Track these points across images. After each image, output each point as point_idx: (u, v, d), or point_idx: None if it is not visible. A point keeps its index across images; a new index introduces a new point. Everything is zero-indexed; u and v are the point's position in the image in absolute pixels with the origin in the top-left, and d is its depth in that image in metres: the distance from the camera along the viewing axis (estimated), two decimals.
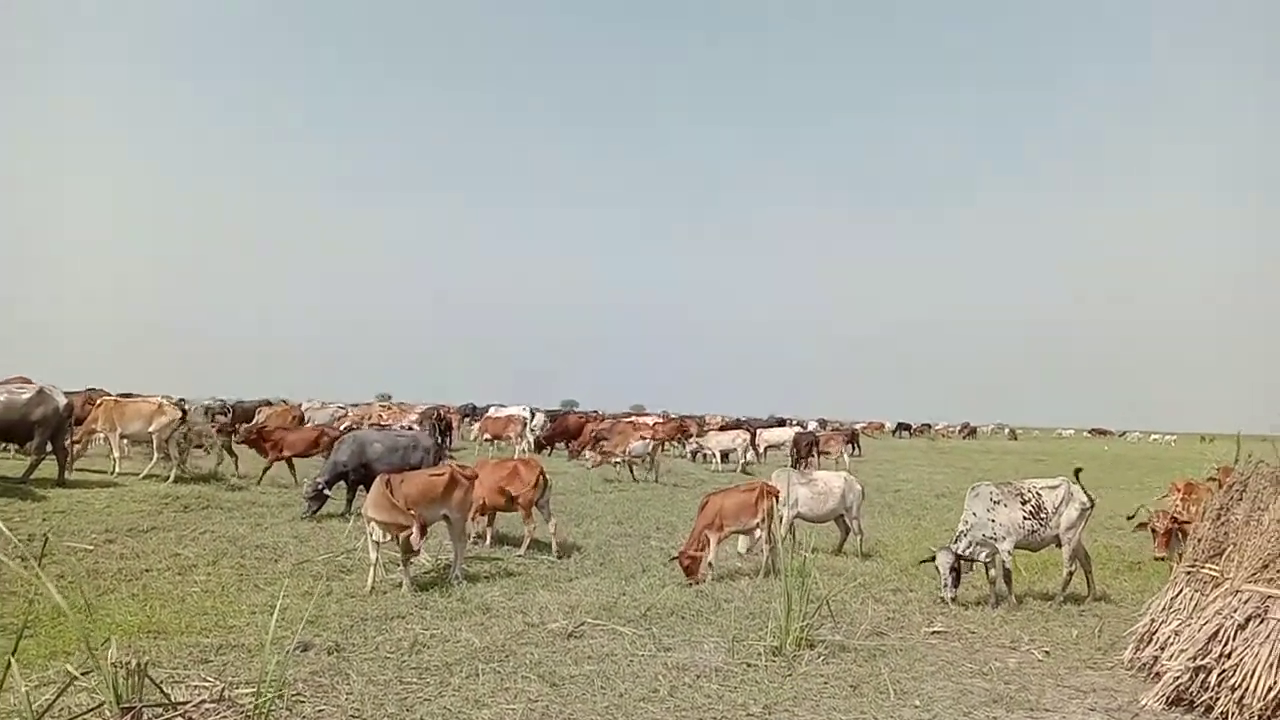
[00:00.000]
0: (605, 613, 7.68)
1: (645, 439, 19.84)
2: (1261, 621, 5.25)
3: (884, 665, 6.41)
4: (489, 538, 10.88)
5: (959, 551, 8.57)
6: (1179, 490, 9.38)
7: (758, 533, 9.74)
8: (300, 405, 38.21)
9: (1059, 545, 9.00)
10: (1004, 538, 8.66)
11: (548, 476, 10.69)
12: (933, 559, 8.77)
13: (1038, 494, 8.93)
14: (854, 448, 37.13)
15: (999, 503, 8.76)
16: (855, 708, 5.53)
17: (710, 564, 9.27)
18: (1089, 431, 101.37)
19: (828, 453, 28.06)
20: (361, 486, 12.25)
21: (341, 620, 7.11)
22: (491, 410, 31.08)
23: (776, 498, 9.80)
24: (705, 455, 26.20)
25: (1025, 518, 8.73)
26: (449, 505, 8.81)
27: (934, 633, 7.56)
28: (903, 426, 71.69)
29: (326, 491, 12.21)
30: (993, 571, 8.85)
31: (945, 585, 8.51)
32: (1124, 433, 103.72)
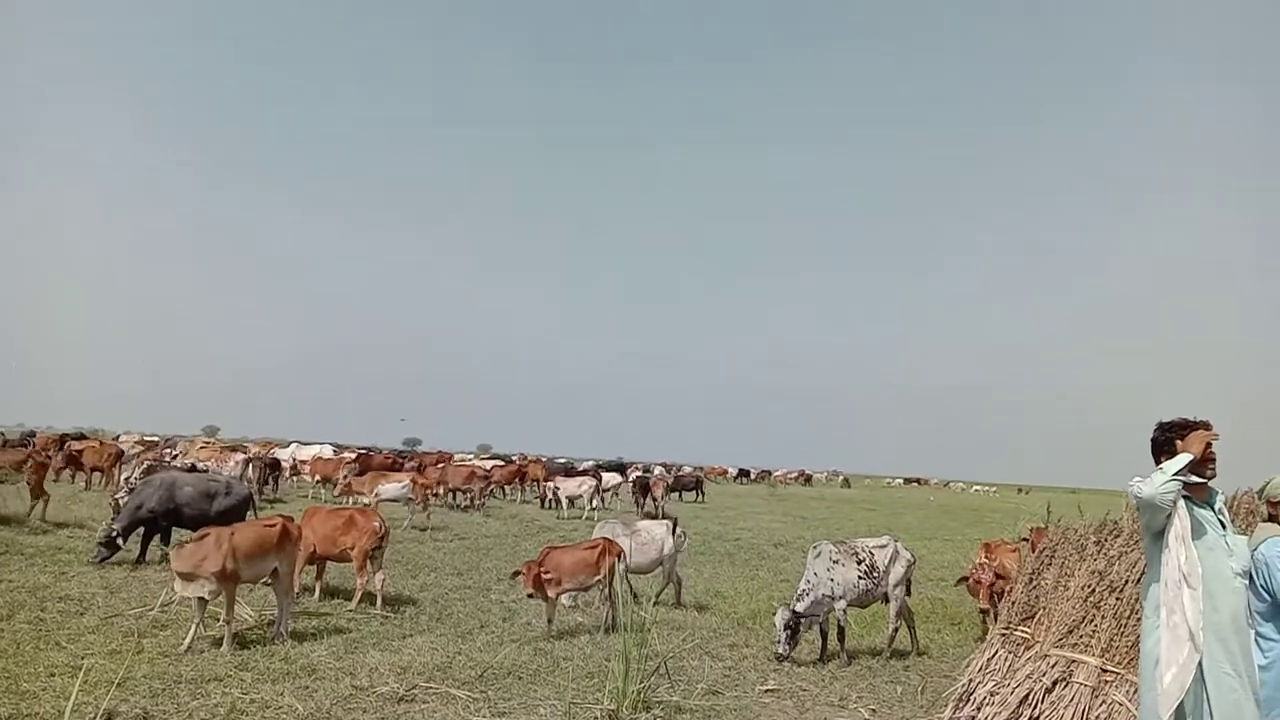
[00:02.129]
0: (439, 674, 7.40)
1: (402, 482, 18.86)
2: (1066, 685, 5.57)
3: None
4: (318, 591, 10.36)
5: (800, 610, 8.74)
6: (986, 550, 9.97)
7: (596, 590, 9.66)
8: (118, 438, 35.53)
9: (886, 601, 9.37)
10: (840, 596, 8.92)
11: (386, 526, 10.29)
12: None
13: (870, 553, 9.28)
14: (698, 494, 37.81)
15: (837, 562, 9.03)
16: None
17: (550, 620, 9.12)
18: (904, 480, 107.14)
19: (655, 497, 28.56)
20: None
21: (152, 683, 6.54)
22: (293, 448, 29.50)
23: (620, 556, 9.75)
24: (553, 500, 25.91)
25: (860, 577, 9.04)
26: (281, 559, 8.35)
27: (768, 691, 7.66)
28: (743, 473, 73.42)
29: (120, 540, 11.30)
30: (827, 628, 9.08)
31: (779, 642, 8.65)
32: (948, 482, 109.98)
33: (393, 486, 18.70)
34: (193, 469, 17.26)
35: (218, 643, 7.76)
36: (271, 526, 8.45)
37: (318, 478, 23.42)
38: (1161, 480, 3.91)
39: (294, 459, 26.18)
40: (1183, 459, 3.95)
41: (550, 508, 25.72)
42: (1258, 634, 4.13)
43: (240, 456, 22.22)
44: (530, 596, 9.12)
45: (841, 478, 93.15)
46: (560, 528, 20.31)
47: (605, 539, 9.97)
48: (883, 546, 9.44)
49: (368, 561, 9.93)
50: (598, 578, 9.49)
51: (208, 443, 28.97)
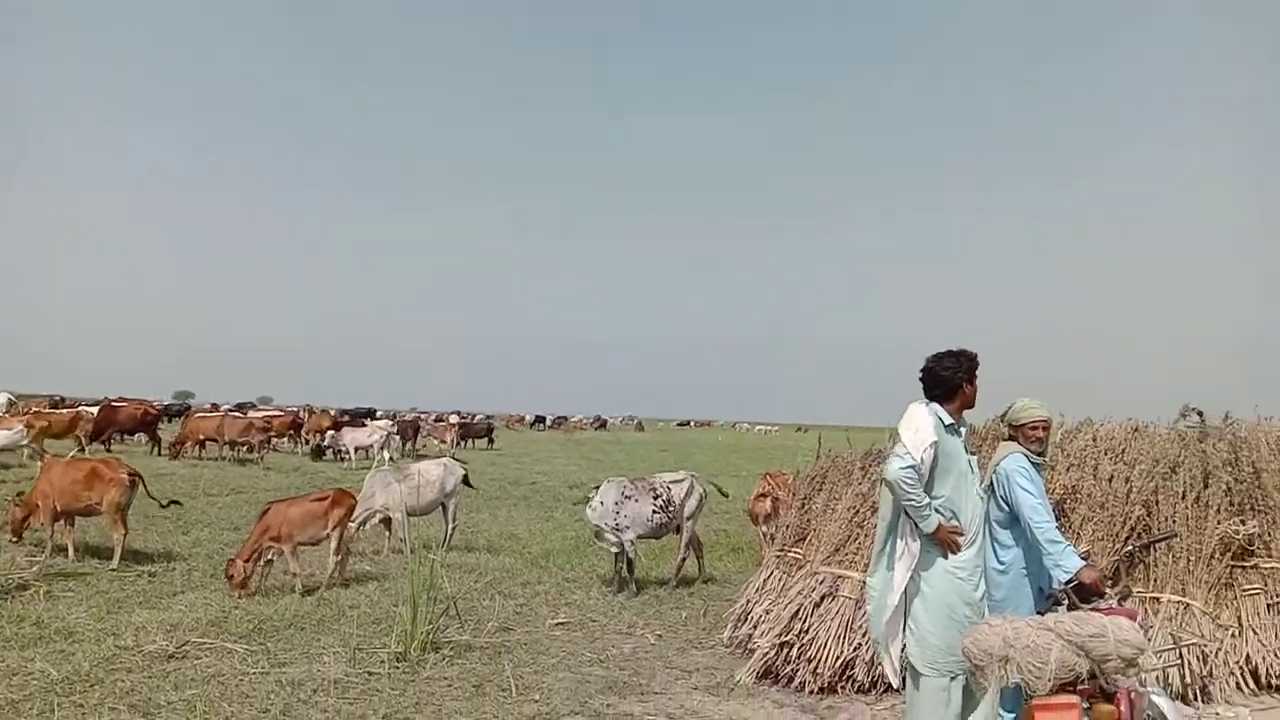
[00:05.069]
0: (213, 629, 6.99)
1: (14, 429, 17.51)
2: (833, 599, 6.00)
3: (508, 662, 6.46)
4: (71, 550, 9.51)
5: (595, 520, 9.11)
6: (766, 479, 10.65)
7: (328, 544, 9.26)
8: None
9: (678, 532, 9.69)
10: (629, 528, 9.13)
11: (136, 476, 9.62)
12: None
13: (667, 488, 9.57)
14: (489, 441, 37.73)
15: (630, 497, 9.23)
16: (477, 708, 5.51)
17: (255, 574, 8.47)
18: (679, 423, 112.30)
19: (444, 441, 33.59)
20: None
21: None
22: None
23: (350, 508, 9.30)
24: (339, 452, 25.06)
25: (655, 511, 9.30)
26: None
27: (558, 624, 7.78)
28: (539, 419, 73.83)
29: None
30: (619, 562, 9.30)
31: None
32: (735, 424, 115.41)
33: (2, 434, 17.29)
34: None
35: None
36: None
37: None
38: (906, 477, 4.10)
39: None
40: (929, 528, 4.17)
41: (338, 459, 24.91)
42: (995, 540, 4.54)
43: None
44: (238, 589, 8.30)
45: (636, 422, 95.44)
46: (348, 478, 19.62)
47: (336, 489, 9.48)
48: (679, 481, 9.74)
49: (121, 515, 9.32)
50: (328, 530, 8.98)
51: None
